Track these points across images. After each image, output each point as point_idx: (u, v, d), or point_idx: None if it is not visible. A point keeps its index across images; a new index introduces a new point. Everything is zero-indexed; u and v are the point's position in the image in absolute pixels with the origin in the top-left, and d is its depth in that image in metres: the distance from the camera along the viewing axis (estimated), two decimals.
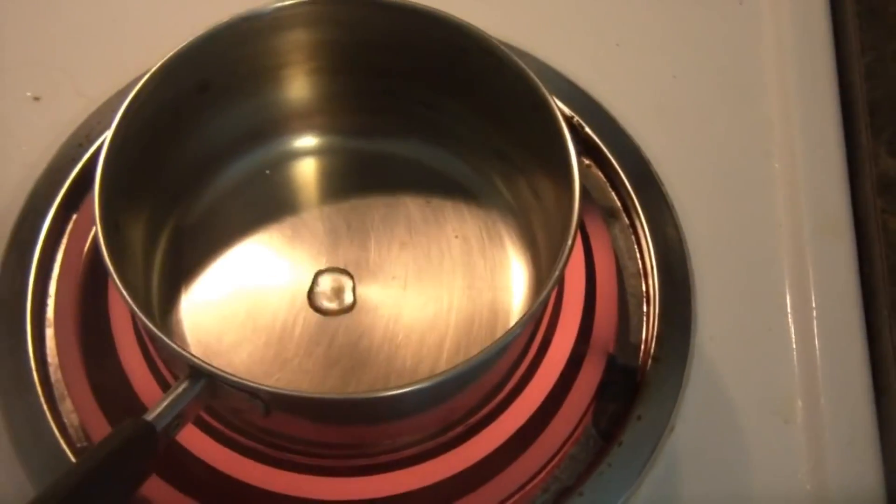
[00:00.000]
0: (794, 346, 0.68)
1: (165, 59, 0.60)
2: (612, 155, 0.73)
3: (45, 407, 0.64)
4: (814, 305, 0.69)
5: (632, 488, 0.63)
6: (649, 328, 0.67)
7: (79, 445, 0.63)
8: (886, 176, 0.71)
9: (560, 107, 0.70)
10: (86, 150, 0.72)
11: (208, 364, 0.52)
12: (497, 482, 0.62)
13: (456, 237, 0.68)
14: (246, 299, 0.66)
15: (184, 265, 0.67)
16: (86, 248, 0.69)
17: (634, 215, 0.71)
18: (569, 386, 0.64)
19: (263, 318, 0.65)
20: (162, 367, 0.64)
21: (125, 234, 0.61)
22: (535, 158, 0.64)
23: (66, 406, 0.65)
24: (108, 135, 0.57)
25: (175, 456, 0.61)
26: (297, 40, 0.65)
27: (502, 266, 0.67)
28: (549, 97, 0.59)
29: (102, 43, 0.78)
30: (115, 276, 0.53)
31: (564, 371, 0.65)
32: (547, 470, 0.63)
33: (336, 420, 0.59)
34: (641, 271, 0.70)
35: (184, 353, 0.52)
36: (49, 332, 0.67)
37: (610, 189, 0.73)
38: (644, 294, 0.69)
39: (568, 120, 0.72)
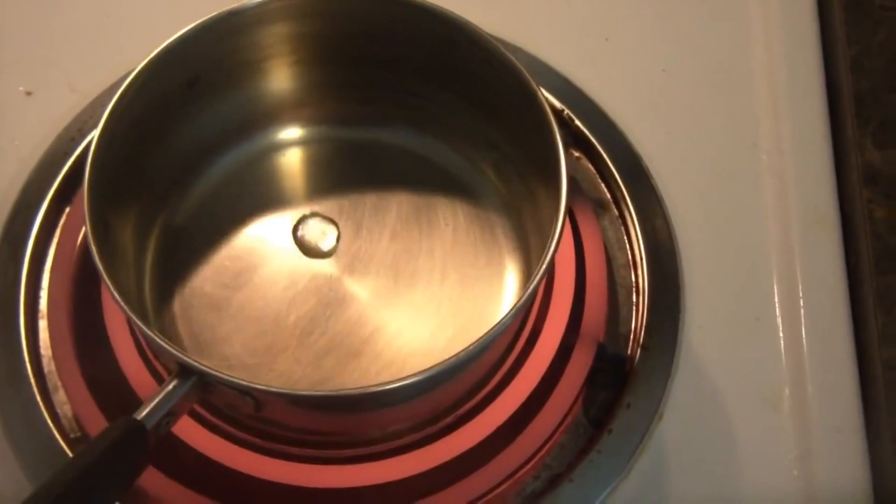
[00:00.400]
0: (782, 334, 0.68)
1: (152, 55, 0.60)
2: (603, 148, 0.73)
3: (38, 398, 0.64)
4: (801, 295, 0.69)
5: (621, 475, 0.63)
6: (638, 318, 0.68)
7: (72, 436, 0.64)
8: (872, 167, 0.71)
9: (551, 100, 0.72)
10: (78, 144, 0.72)
11: (198, 362, 0.52)
12: (488, 469, 0.62)
13: (447, 227, 0.68)
14: (238, 291, 0.66)
15: (175, 259, 0.67)
16: (79, 241, 0.69)
17: (624, 207, 0.72)
18: (559, 375, 0.65)
19: (255, 310, 0.66)
20: (155, 359, 0.65)
21: (115, 230, 0.61)
22: (525, 149, 0.64)
23: (60, 397, 0.65)
24: (95, 132, 0.57)
25: (169, 445, 0.61)
26: (284, 32, 0.65)
27: (493, 256, 0.68)
28: (537, 88, 0.59)
29: (95, 38, 0.79)
30: (103, 274, 0.54)
31: (554, 360, 0.65)
32: (538, 457, 0.64)
33: (327, 413, 0.60)
34: (631, 262, 0.70)
35: (174, 350, 0.53)
36: (42, 324, 0.67)
37: (600, 181, 0.73)
38: (633, 284, 0.70)
39: (558, 113, 0.73)
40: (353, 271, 0.67)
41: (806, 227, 0.72)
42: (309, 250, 0.67)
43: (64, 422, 0.64)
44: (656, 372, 0.66)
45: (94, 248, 0.54)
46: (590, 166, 0.74)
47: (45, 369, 0.66)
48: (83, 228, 0.69)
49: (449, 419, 0.64)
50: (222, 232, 0.68)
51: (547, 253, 0.55)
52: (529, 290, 0.54)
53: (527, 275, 0.66)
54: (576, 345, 0.66)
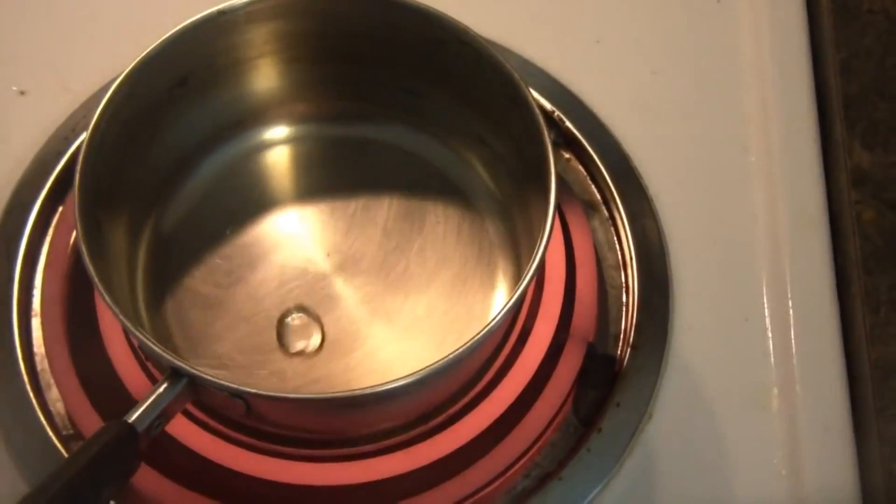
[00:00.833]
0: (770, 335, 0.69)
1: (142, 55, 0.60)
2: (593, 149, 0.74)
3: (31, 395, 0.64)
4: (789, 295, 0.70)
5: (611, 473, 0.64)
6: (628, 318, 0.68)
7: (65, 433, 0.64)
8: (860, 168, 0.72)
9: (541, 102, 0.73)
10: (71, 144, 0.72)
11: (188, 365, 0.53)
12: (479, 468, 0.63)
13: (438, 225, 0.69)
14: (230, 290, 0.67)
15: (167, 258, 0.68)
16: (72, 240, 0.69)
17: (614, 208, 0.72)
18: (549, 374, 0.65)
19: (247, 309, 0.66)
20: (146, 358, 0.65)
21: (107, 230, 0.61)
22: (515, 149, 0.64)
23: (53, 394, 0.65)
24: (86, 132, 0.58)
25: (162, 444, 0.61)
26: (274, 31, 0.65)
27: (483, 255, 0.68)
28: (524, 87, 0.60)
29: (88, 38, 0.79)
30: (94, 278, 0.54)
31: (545, 359, 0.65)
32: (528, 456, 0.64)
33: (316, 413, 0.60)
34: (621, 263, 0.71)
35: (164, 353, 0.53)
36: (35, 322, 0.67)
37: (590, 182, 0.74)
38: (623, 285, 0.70)
39: (549, 115, 0.74)
40: (343, 270, 0.67)
41: (795, 228, 0.72)
42: (291, 349, 0.66)
43: (57, 419, 0.65)
44: (646, 371, 0.66)
45: (84, 250, 0.55)
46: (580, 167, 0.74)
47: (38, 367, 0.66)
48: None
49: (439, 418, 0.64)
50: (214, 231, 0.68)
51: (536, 253, 0.55)
52: (520, 290, 0.55)
53: (517, 274, 0.66)
54: (566, 344, 0.66)
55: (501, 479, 0.63)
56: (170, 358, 0.53)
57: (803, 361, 0.68)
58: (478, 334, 0.54)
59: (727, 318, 0.70)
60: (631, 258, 0.70)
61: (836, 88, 0.75)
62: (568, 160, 0.74)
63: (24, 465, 0.63)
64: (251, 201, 0.70)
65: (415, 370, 0.52)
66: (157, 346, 0.53)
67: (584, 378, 0.66)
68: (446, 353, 0.53)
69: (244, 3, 0.63)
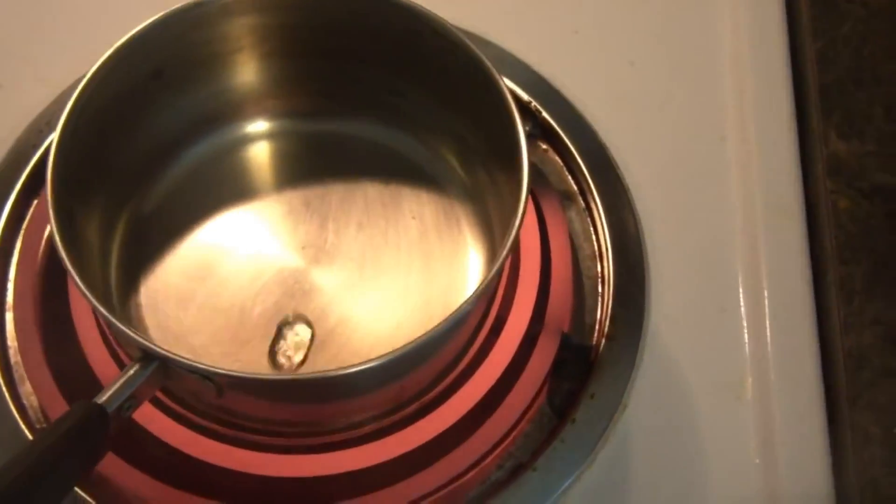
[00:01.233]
0: (746, 324, 0.69)
1: (115, 47, 0.60)
2: (570, 140, 0.74)
3: (4, 389, 0.65)
4: (765, 285, 0.70)
5: (584, 464, 0.64)
6: (604, 308, 0.68)
7: (38, 427, 0.64)
8: (836, 158, 0.72)
9: (518, 92, 0.73)
10: (46, 136, 0.72)
11: (159, 347, 0.53)
12: (452, 458, 0.62)
13: (413, 219, 0.69)
14: (205, 282, 0.67)
15: (142, 250, 0.67)
16: (46, 233, 0.69)
17: (590, 199, 0.72)
18: (523, 364, 0.65)
19: (222, 301, 0.66)
20: (121, 349, 0.65)
21: (80, 221, 0.61)
22: (489, 140, 0.64)
23: (26, 388, 0.65)
24: (59, 123, 0.58)
25: (131, 433, 0.61)
26: (249, 24, 0.65)
27: (458, 248, 0.68)
28: (498, 77, 0.60)
29: (63, 29, 0.79)
30: (66, 261, 0.54)
31: (519, 349, 0.65)
32: (502, 446, 0.64)
33: (289, 400, 0.60)
34: (597, 253, 0.71)
35: (135, 336, 0.53)
36: (9, 316, 0.67)
37: (567, 173, 0.74)
38: (599, 275, 0.70)
39: (525, 105, 0.74)
40: (318, 262, 0.67)
41: (771, 218, 0.72)
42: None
43: (30, 412, 0.65)
44: (621, 362, 0.66)
45: (57, 238, 0.55)
46: (557, 158, 0.74)
47: (12, 360, 0.66)
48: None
49: (413, 408, 0.64)
50: (189, 224, 0.68)
51: (509, 235, 0.55)
52: (493, 272, 0.55)
53: (492, 266, 0.66)
54: (540, 334, 0.66)
55: (475, 470, 0.63)
56: (141, 340, 0.53)
57: (778, 351, 0.68)
58: (451, 314, 0.54)
59: (703, 308, 0.70)
60: (607, 248, 0.70)
61: (812, 77, 0.75)
62: (545, 151, 0.74)
63: None
64: (227, 195, 0.70)
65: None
66: (128, 329, 0.53)
67: (558, 368, 0.66)
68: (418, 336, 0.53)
69: None
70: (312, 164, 0.71)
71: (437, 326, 0.53)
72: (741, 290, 0.70)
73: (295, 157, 0.72)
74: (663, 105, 0.77)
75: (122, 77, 0.62)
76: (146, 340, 0.53)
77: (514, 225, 0.56)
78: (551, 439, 0.64)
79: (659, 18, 0.81)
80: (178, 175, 0.70)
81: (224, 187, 0.70)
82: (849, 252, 0.69)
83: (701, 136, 0.76)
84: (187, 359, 0.52)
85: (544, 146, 0.74)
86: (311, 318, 0.66)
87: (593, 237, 0.71)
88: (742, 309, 0.69)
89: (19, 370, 0.66)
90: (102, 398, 0.52)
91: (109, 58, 0.60)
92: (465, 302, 0.54)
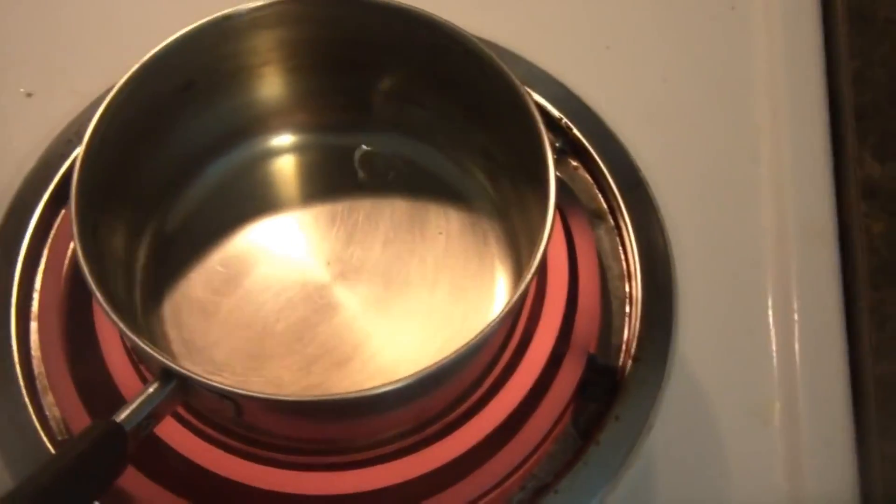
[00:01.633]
0: (775, 348, 0.68)
1: (144, 59, 0.60)
2: (600, 157, 0.73)
3: (27, 400, 0.64)
4: (795, 308, 0.69)
5: (608, 487, 0.63)
6: (631, 329, 0.68)
7: (60, 439, 0.64)
8: (871, 180, 0.71)
9: (549, 109, 0.72)
10: (75, 147, 0.71)
11: (179, 366, 0.52)
12: (475, 478, 0.62)
13: (440, 234, 0.68)
14: (229, 296, 0.66)
15: (166, 263, 0.67)
16: (72, 244, 0.69)
17: (620, 218, 0.71)
18: (548, 384, 0.65)
19: (246, 316, 0.66)
20: (143, 364, 0.65)
21: (105, 233, 0.61)
22: (517, 157, 0.64)
23: (49, 399, 0.65)
24: (85, 135, 0.58)
25: (152, 448, 0.61)
26: (278, 38, 0.65)
27: (485, 265, 0.67)
28: (526, 95, 0.59)
29: (97, 39, 0.79)
30: (87, 274, 0.54)
31: (544, 369, 0.65)
32: (525, 467, 0.63)
33: (310, 419, 0.60)
34: (625, 273, 0.70)
35: (154, 353, 0.53)
36: (33, 326, 0.67)
37: (597, 191, 0.73)
38: (627, 296, 0.69)
39: (556, 122, 0.73)
40: (344, 278, 0.67)
41: (803, 240, 0.71)
42: None
43: (52, 424, 0.64)
44: (647, 384, 0.65)
45: (80, 251, 0.55)
46: (587, 176, 0.73)
47: (35, 371, 0.66)
48: None
49: (436, 427, 0.63)
50: (214, 237, 0.68)
51: (535, 255, 0.55)
52: (519, 293, 0.54)
53: (517, 283, 0.65)
54: (566, 355, 0.66)
55: (497, 491, 0.62)
56: (160, 358, 0.53)
57: (807, 376, 0.67)
58: (476, 336, 0.53)
59: (732, 330, 0.69)
60: (635, 268, 0.69)
61: (848, 98, 0.74)
62: (575, 168, 0.73)
63: (18, 471, 0.62)
64: (252, 209, 0.69)
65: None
66: (148, 346, 0.53)
67: (583, 389, 0.65)
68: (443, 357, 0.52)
69: (249, 8, 0.63)
70: (339, 178, 0.71)
71: (461, 348, 0.53)
72: (771, 314, 0.69)
73: (321, 172, 0.72)
74: (696, 123, 0.76)
75: (150, 89, 0.62)
76: (166, 358, 0.52)
77: (540, 244, 0.55)
78: (575, 461, 0.63)
79: (693, 35, 0.80)
80: (203, 188, 0.70)
81: (250, 201, 0.70)
82: (882, 277, 0.68)
83: (733, 156, 0.75)
84: (207, 378, 0.52)
85: (574, 163, 0.73)
86: (331, 332, 0.65)
87: (622, 257, 0.70)
88: (772, 333, 0.68)
89: (42, 381, 0.66)
90: (121, 416, 0.52)
91: (139, 69, 0.61)
92: (491, 323, 0.54)
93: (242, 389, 0.52)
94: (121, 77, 0.60)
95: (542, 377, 0.64)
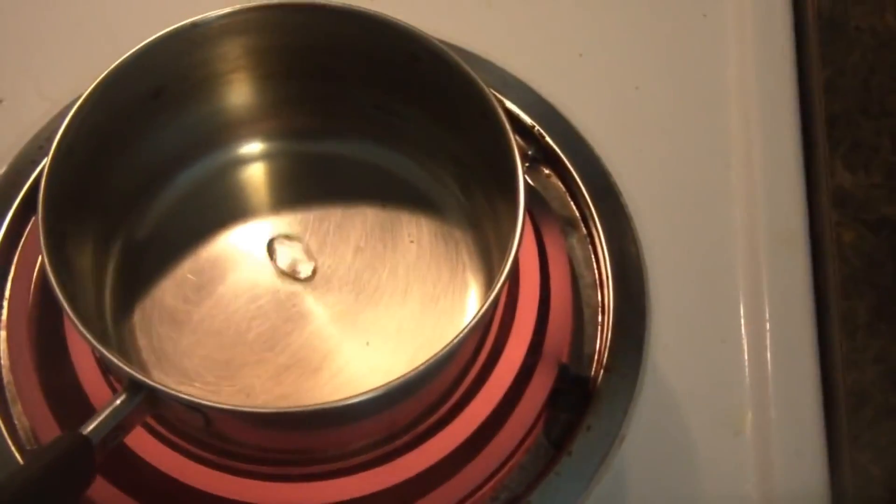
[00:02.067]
0: (747, 357, 0.68)
1: (114, 65, 0.60)
2: (572, 165, 0.73)
3: None
4: (767, 317, 0.69)
5: (580, 498, 0.63)
6: (603, 338, 0.67)
7: (28, 448, 0.63)
8: (842, 189, 0.71)
9: (521, 116, 0.71)
10: (46, 153, 0.70)
11: (146, 378, 0.52)
12: (446, 489, 0.62)
13: (411, 242, 0.68)
14: (199, 305, 0.66)
15: (136, 271, 0.67)
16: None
17: (592, 226, 0.71)
18: (520, 394, 0.64)
19: (217, 324, 0.65)
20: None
21: (74, 242, 0.61)
22: (488, 165, 0.64)
23: (17, 409, 0.65)
24: (53, 142, 0.57)
25: (122, 458, 0.60)
26: (247, 45, 0.65)
27: (456, 273, 0.67)
28: (495, 103, 0.59)
29: (66, 45, 0.78)
30: (54, 284, 0.53)
31: (516, 379, 0.64)
32: (496, 478, 0.63)
33: (279, 430, 0.59)
34: (597, 282, 0.70)
35: (122, 365, 0.52)
36: (2, 335, 0.67)
37: (569, 199, 0.73)
38: (599, 304, 0.69)
39: (528, 129, 0.73)
40: (315, 287, 0.67)
41: (775, 248, 0.71)
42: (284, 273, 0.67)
43: (20, 433, 0.64)
44: (619, 394, 0.65)
45: (48, 260, 0.54)
46: (559, 183, 0.73)
47: (4, 380, 0.65)
48: None
49: (407, 437, 0.63)
50: (185, 245, 0.68)
51: (506, 261, 0.55)
52: (489, 300, 0.54)
53: (489, 292, 0.65)
54: (538, 364, 0.65)
55: (469, 502, 0.62)
56: (127, 370, 0.52)
57: (778, 385, 0.67)
58: (446, 346, 0.53)
59: (704, 339, 0.69)
60: (608, 277, 0.69)
61: (820, 107, 0.74)
62: (547, 176, 0.73)
63: None
64: (223, 217, 0.69)
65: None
66: (115, 358, 0.53)
67: (555, 399, 0.65)
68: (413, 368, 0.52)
69: (217, 16, 0.63)
70: (310, 186, 0.71)
71: (431, 358, 0.53)
72: (743, 322, 0.69)
73: (293, 179, 0.72)
74: (668, 131, 0.76)
75: (119, 96, 0.62)
76: (134, 370, 0.52)
77: (510, 250, 0.55)
78: (547, 472, 0.63)
79: (665, 43, 0.80)
80: (173, 196, 0.69)
81: (220, 208, 0.69)
82: (852, 286, 0.68)
83: (705, 164, 0.75)
84: (175, 390, 0.52)
85: (547, 171, 0.73)
86: (302, 341, 0.65)
87: (594, 265, 0.70)
88: (744, 341, 0.68)
89: (11, 390, 0.65)
90: (88, 428, 0.51)
91: (108, 75, 0.60)
92: (461, 333, 0.54)
93: (210, 401, 0.52)
94: (92, 83, 0.60)
95: (513, 387, 0.64)
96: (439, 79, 0.62)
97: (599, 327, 0.68)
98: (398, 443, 0.63)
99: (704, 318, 0.69)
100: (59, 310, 0.63)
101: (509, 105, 0.73)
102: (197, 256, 0.68)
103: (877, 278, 0.68)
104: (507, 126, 0.58)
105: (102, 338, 0.54)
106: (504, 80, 0.76)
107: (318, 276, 0.67)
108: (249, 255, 0.68)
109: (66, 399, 0.64)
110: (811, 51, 0.77)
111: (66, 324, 0.65)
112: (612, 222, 0.71)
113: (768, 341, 0.68)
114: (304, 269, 0.67)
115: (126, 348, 0.64)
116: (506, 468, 0.63)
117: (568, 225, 0.72)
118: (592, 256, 0.71)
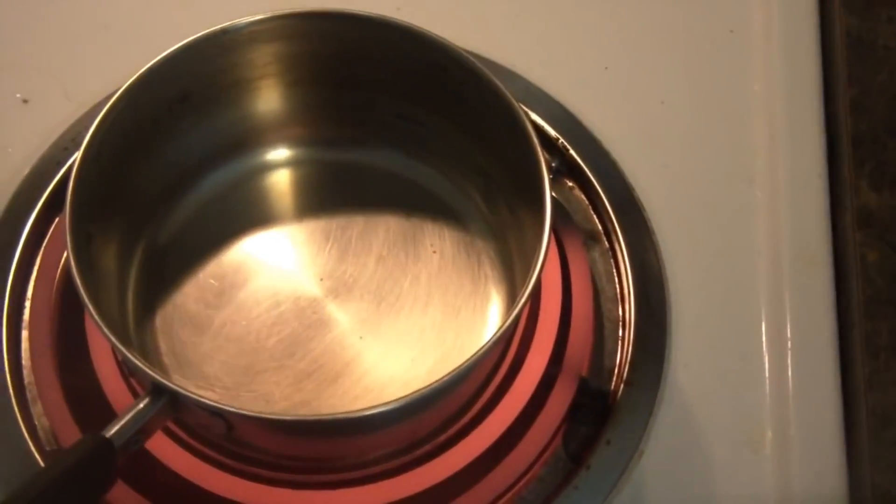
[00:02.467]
0: (768, 375, 0.68)
1: (143, 70, 0.60)
2: (596, 178, 0.73)
3: (16, 409, 0.64)
4: (789, 336, 0.69)
5: None
6: (623, 353, 0.67)
7: (48, 449, 0.63)
8: (866, 209, 0.71)
9: (546, 128, 0.71)
10: (71, 154, 0.72)
11: (169, 382, 0.52)
12: (465, 499, 0.62)
13: (434, 253, 0.68)
14: (221, 310, 0.66)
15: (159, 275, 0.67)
16: (65, 253, 0.68)
17: (615, 239, 0.71)
18: (540, 407, 0.64)
19: (238, 329, 0.66)
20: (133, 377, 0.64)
21: (99, 243, 0.61)
22: (513, 177, 0.64)
23: (38, 409, 0.65)
24: (82, 144, 0.57)
25: (141, 462, 0.60)
26: (275, 52, 0.65)
27: (478, 284, 0.67)
28: (523, 115, 0.59)
29: (93, 47, 0.79)
30: (78, 284, 0.53)
31: (536, 392, 0.64)
32: (514, 490, 0.63)
33: (299, 437, 0.59)
34: (619, 296, 0.70)
35: (145, 368, 0.52)
36: (24, 335, 0.67)
37: (592, 212, 0.73)
38: (620, 319, 0.69)
39: (553, 142, 0.73)
40: (336, 295, 0.67)
41: (797, 267, 0.71)
42: None
43: (40, 434, 0.64)
44: (639, 408, 0.65)
45: (73, 262, 0.54)
46: (582, 197, 0.73)
47: (25, 380, 0.66)
48: None
49: (427, 447, 0.63)
50: (208, 250, 0.68)
51: (530, 279, 0.55)
52: (512, 316, 0.54)
53: (510, 304, 0.65)
54: (558, 377, 0.65)
55: None
56: (151, 373, 0.52)
57: (799, 404, 0.67)
58: (469, 359, 0.53)
59: (724, 356, 0.68)
60: (629, 291, 0.69)
61: (845, 126, 0.74)
62: (571, 189, 0.73)
63: (5, 480, 0.62)
64: (247, 222, 0.69)
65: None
66: (139, 361, 0.53)
67: (575, 413, 0.65)
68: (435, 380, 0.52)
69: (247, 22, 0.63)
70: (334, 194, 0.71)
71: (452, 371, 0.52)
72: (764, 340, 0.69)
73: (316, 187, 0.72)
74: (692, 146, 0.76)
75: (148, 100, 0.62)
76: (157, 374, 0.52)
77: (535, 268, 0.55)
78: (565, 485, 0.63)
79: (692, 58, 0.80)
80: (197, 201, 0.70)
81: (244, 214, 0.70)
82: (875, 306, 0.68)
83: (729, 180, 0.75)
84: (198, 395, 0.52)
85: (570, 184, 0.73)
86: (323, 349, 0.65)
87: (616, 279, 0.70)
88: (765, 359, 0.68)
89: (32, 390, 0.65)
90: (110, 431, 0.51)
91: (137, 80, 0.60)
92: (483, 347, 0.54)
93: (234, 407, 0.52)
94: (116, 86, 0.60)
95: (533, 400, 0.64)
96: (466, 89, 0.62)
97: (620, 341, 0.68)
98: (418, 452, 0.63)
99: (726, 335, 0.69)
100: (81, 310, 0.64)
101: (534, 117, 0.73)
102: (219, 261, 0.68)
103: None
104: (535, 139, 0.58)
105: (125, 340, 0.54)
106: (529, 92, 0.76)
107: (339, 284, 0.67)
108: (272, 261, 0.68)
109: (86, 400, 0.64)
110: (838, 69, 0.77)
111: (88, 325, 0.66)
112: (634, 236, 0.71)
113: (790, 360, 0.68)
114: None
115: (147, 351, 0.64)
116: (524, 480, 0.63)
117: (590, 238, 0.72)
118: (614, 270, 0.71)
